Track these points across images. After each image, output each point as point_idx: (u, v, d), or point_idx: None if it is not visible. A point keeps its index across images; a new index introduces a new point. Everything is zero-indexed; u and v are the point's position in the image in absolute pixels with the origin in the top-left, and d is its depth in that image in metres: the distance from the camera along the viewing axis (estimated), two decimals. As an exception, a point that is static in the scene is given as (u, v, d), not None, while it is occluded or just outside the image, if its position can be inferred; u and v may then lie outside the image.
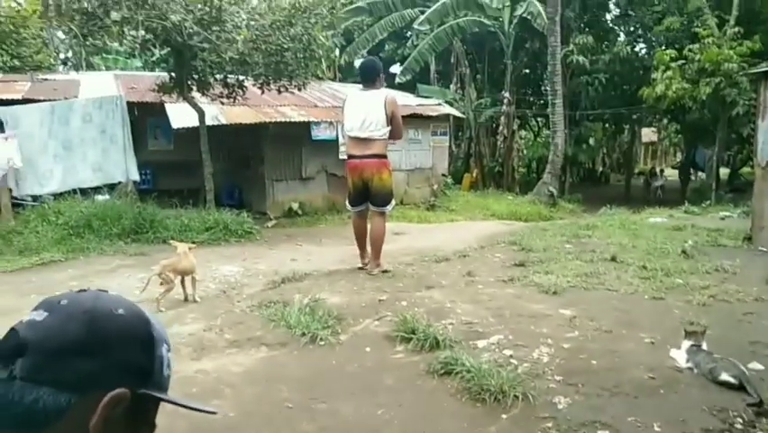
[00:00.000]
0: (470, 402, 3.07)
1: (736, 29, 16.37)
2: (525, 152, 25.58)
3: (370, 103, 5.71)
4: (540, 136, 29.59)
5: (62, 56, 27.08)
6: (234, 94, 10.48)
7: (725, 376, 3.10)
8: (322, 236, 9.78)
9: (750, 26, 16.99)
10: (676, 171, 25.99)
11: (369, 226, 6.03)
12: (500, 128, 21.39)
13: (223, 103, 10.78)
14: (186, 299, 5.26)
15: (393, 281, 5.47)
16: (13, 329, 0.75)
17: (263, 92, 10.72)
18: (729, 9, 17.22)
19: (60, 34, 24.53)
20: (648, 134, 34.01)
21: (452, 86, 23.18)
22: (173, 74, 10.09)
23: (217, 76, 10.10)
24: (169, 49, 9.80)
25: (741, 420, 2.82)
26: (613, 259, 6.28)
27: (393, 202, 5.96)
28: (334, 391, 3.34)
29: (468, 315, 4.42)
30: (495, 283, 5.42)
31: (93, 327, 0.75)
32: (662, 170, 25.89)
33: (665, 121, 25.92)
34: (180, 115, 11.31)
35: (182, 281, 5.29)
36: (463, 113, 20.47)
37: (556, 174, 18.76)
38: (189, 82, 9.97)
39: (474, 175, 21.26)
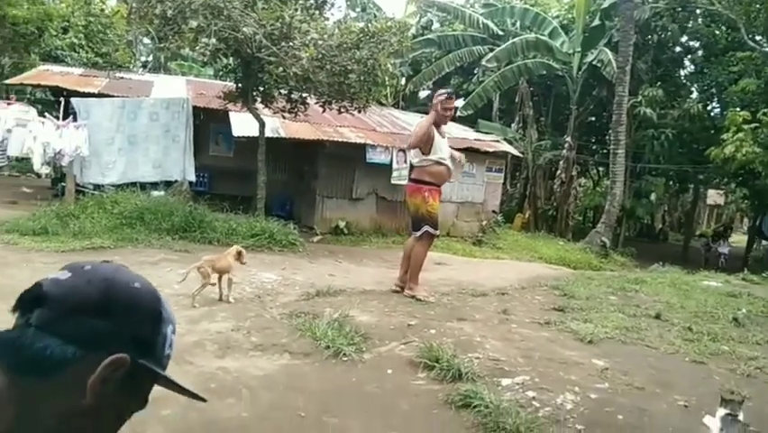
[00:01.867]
0: (483, 438, 2.98)
1: (816, 96, 15.75)
2: (581, 199, 25.14)
3: None
4: (599, 185, 29.03)
5: (143, 59, 28.59)
6: (296, 109, 10.73)
7: (760, 450, 2.90)
8: (363, 256, 9.80)
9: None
10: (743, 237, 24.77)
11: None
12: (559, 172, 21.09)
13: (284, 117, 11.04)
14: (220, 299, 5.33)
15: (425, 309, 5.40)
16: (37, 283, 0.79)
17: (324, 110, 10.95)
18: (811, 76, 16.62)
19: (146, 40, 25.80)
20: (714, 196, 32.80)
21: (513, 125, 23.11)
22: (240, 84, 10.43)
23: (282, 90, 10.38)
24: (238, 59, 10.14)
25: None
26: (657, 316, 6.02)
27: (425, 228, 5.89)
28: (349, 407, 3.30)
29: (496, 352, 4.30)
30: (530, 324, 5.28)
31: (108, 292, 0.80)
32: (727, 234, 23.97)
33: (733, 184, 24.98)
34: (242, 124, 11.66)
35: (219, 279, 5.38)
36: (522, 153, 20.32)
37: (611, 225, 18.28)
38: (254, 93, 10.27)
39: (526, 216, 20.98)
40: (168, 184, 11.03)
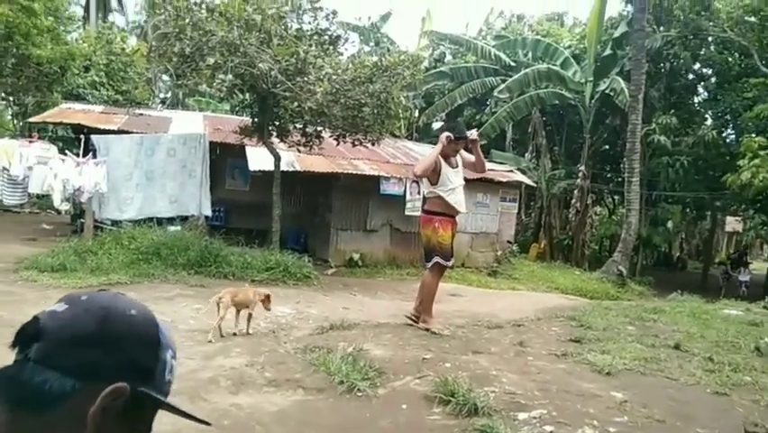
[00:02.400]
0: (500, 475, 2.93)
1: (834, 122, 15.63)
2: (597, 227, 24.95)
3: None
4: (615, 214, 28.83)
5: (161, 95, 29.23)
6: (311, 143, 10.88)
7: (786, 487, 2.82)
8: (378, 289, 9.79)
9: None
10: (763, 264, 24.23)
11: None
12: (573, 201, 21.02)
13: (299, 150, 11.19)
14: (235, 334, 5.34)
15: (440, 342, 5.36)
16: (35, 317, 0.81)
17: (338, 143, 11.07)
18: (827, 101, 16.53)
19: (165, 77, 26.43)
20: (732, 223, 32.45)
21: (527, 154, 23.15)
22: (256, 119, 10.62)
23: (297, 124, 10.54)
24: (254, 95, 10.34)
25: None
26: (677, 347, 5.91)
27: (435, 259, 5.85)
28: (364, 444, 3.27)
29: (513, 385, 4.25)
30: (546, 357, 5.21)
31: (105, 322, 0.80)
32: (747, 261, 22.95)
33: (751, 211, 24.67)
34: (258, 158, 11.81)
35: (237, 313, 5.40)
36: (536, 182, 20.30)
37: (627, 254, 18.09)
38: (270, 128, 10.44)
39: (542, 246, 20.84)
40: (184, 219, 11.16)
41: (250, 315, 5.45)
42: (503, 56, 21.78)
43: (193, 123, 14.46)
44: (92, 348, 0.78)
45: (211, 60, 8.63)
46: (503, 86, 20.33)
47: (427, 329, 5.72)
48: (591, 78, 20.21)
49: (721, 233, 32.02)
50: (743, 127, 19.92)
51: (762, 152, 15.87)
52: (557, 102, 21.65)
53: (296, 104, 9.42)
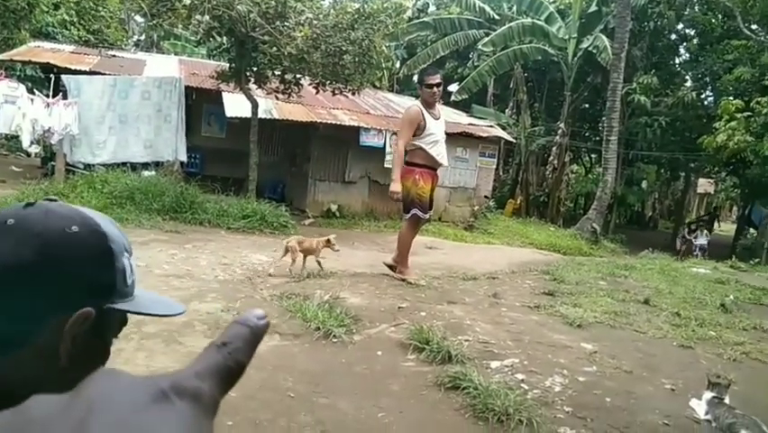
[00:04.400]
0: (472, 419, 3.00)
1: (811, 86, 15.80)
2: (573, 185, 25.18)
3: None
4: (591, 172, 29.07)
5: (135, 37, 28.23)
6: (290, 90, 10.65)
7: (744, 434, 2.93)
8: (355, 239, 9.80)
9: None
10: (732, 226, 24.62)
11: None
12: (551, 158, 21.11)
13: (278, 98, 10.96)
14: (293, 275, 5.73)
15: (416, 292, 5.41)
16: None
17: (318, 92, 10.87)
18: (805, 65, 16.65)
19: (139, 18, 25.47)
20: (704, 185, 32.89)
21: (507, 110, 23.08)
22: (233, 64, 10.33)
23: (275, 70, 10.29)
24: (232, 38, 10.03)
25: (755, 481, 2.66)
26: (646, 302, 6.07)
27: (413, 211, 5.78)
28: (338, 388, 3.31)
29: (486, 334, 4.32)
30: (520, 308, 5.30)
31: (45, 251, 0.71)
32: (705, 226, 21.50)
33: (723, 173, 25.07)
34: (235, 104, 11.56)
35: (304, 258, 5.93)
36: (515, 138, 20.30)
37: (602, 212, 18.33)
38: (248, 73, 10.18)
39: (518, 202, 21.01)
40: (158, 164, 10.95)
41: (318, 262, 5.95)
42: (487, 8, 21.39)
43: (168, 66, 14.04)
44: (39, 284, 0.70)
45: (187, 0, 8.32)
46: (486, 39, 20.05)
47: (403, 279, 5.76)
48: (575, 35, 20.01)
49: (693, 194, 32.42)
50: (721, 90, 20.01)
51: (738, 115, 16.03)
52: (540, 58, 21.45)
53: (275, 49, 9.17)
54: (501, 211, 18.78)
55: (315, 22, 8.87)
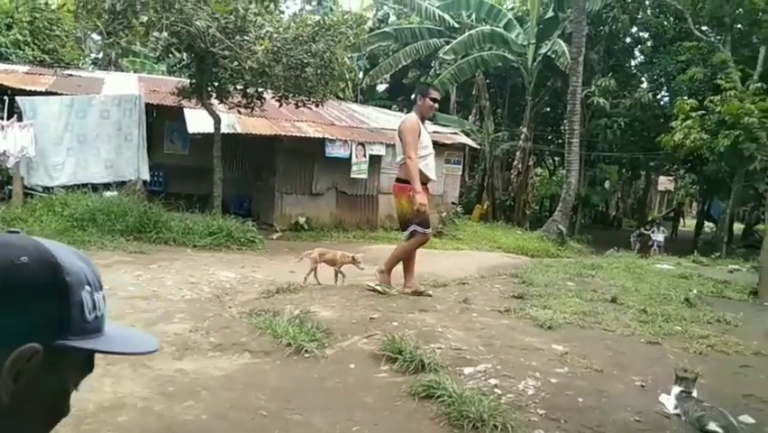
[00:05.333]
0: (447, 427, 2.99)
1: (759, 84, 16.35)
2: (538, 188, 25.54)
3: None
4: (555, 175, 29.58)
5: (93, 56, 27.69)
6: (253, 104, 10.59)
7: (712, 426, 2.99)
8: (324, 252, 9.73)
9: (774, 83, 16.97)
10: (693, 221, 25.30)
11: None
12: (515, 162, 21.39)
13: (240, 112, 10.87)
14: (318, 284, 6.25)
15: (387, 301, 5.39)
16: None
17: (281, 105, 10.82)
18: (753, 65, 17.25)
19: (95, 36, 25.00)
20: (665, 183, 33.85)
21: (471, 117, 23.33)
22: (194, 80, 10.23)
23: (237, 85, 10.22)
24: (192, 54, 9.93)
25: (725, 473, 2.71)
26: (613, 300, 6.17)
27: (412, 228, 5.57)
28: (312, 403, 3.27)
29: (458, 341, 4.33)
30: (490, 313, 5.33)
31: None
32: (659, 222, 22.17)
33: (682, 171, 25.78)
34: (197, 120, 11.43)
35: (336, 271, 6.51)
36: (480, 144, 20.52)
37: (567, 213, 18.64)
38: (209, 89, 10.09)
39: (485, 207, 21.21)
40: (121, 184, 10.74)
41: (336, 272, 6.51)
42: (447, 17, 21.64)
43: (127, 84, 13.81)
44: None
45: (144, 18, 8.23)
46: (447, 47, 20.27)
47: (377, 287, 5.63)
48: (534, 41, 20.39)
49: (654, 192, 33.37)
50: (676, 90, 20.61)
51: (693, 114, 16.51)
52: (500, 64, 21.79)
53: (235, 63, 9.12)
54: (469, 217, 18.94)
55: (275, 35, 8.84)
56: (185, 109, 11.40)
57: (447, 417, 3.05)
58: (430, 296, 5.72)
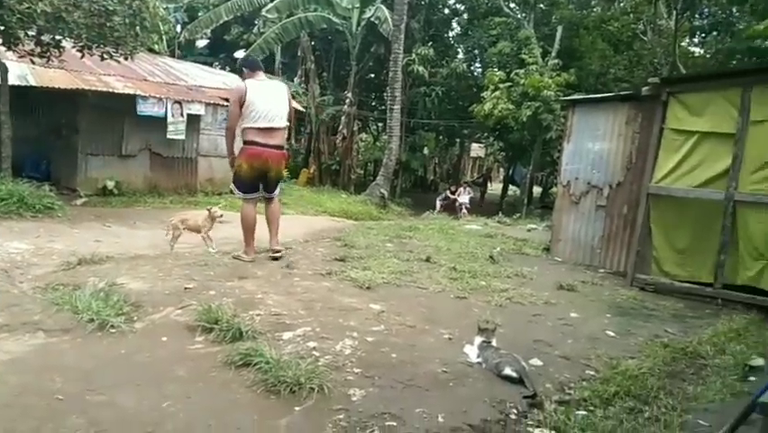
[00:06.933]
0: (264, 394, 2.96)
1: (556, 61, 18.16)
2: (362, 153, 26.13)
3: (276, 94, 5.68)
4: (379, 140, 30.41)
5: None
6: (48, 53, 9.39)
7: (507, 371, 3.32)
8: (137, 218, 9.11)
9: (568, 60, 18.96)
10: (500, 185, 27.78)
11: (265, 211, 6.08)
12: (341, 127, 21.61)
13: (33, 62, 9.59)
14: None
15: (204, 270, 5.18)
16: None
17: (83, 56, 9.72)
18: (552, 42, 19.07)
19: None
20: (476, 150, 36.55)
21: (296, 79, 22.98)
22: (-28, 20, 8.76)
23: (29, 31, 8.96)
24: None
25: (516, 411, 3.03)
26: (428, 259, 6.56)
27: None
28: (117, 382, 3.03)
29: (278, 306, 4.30)
30: (312, 276, 5.37)
31: None
32: (465, 185, 22.42)
33: (491, 138, 27.98)
34: (-22, 68, 9.86)
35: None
36: (305, 108, 20.36)
37: (389, 178, 19.36)
38: (-7, 33, 8.72)
39: (311, 171, 21.25)
40: None
41: (204, 238, 6.24)
42: (270, -27, 20.91)
43: None
44: None
45: None
46: (271, 5, 19.66)
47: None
48: (358, 5, 20.52)
49: (467, 158, 35.86)
50: (487, 62, 22.12)
51: (501, 85, 17.91)
52: (325, 27, 21.66)
53: (24, 5, 7.97)
54: (295, 181, 18.84)
55: (73, -24, 7.87)
56: (-38, 55, 9.78)
57: (264, 383, 3.02)
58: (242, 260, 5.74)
